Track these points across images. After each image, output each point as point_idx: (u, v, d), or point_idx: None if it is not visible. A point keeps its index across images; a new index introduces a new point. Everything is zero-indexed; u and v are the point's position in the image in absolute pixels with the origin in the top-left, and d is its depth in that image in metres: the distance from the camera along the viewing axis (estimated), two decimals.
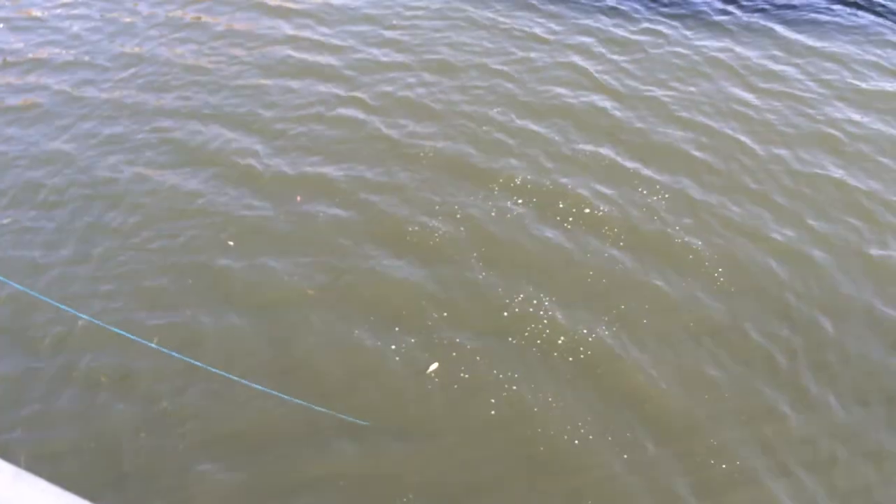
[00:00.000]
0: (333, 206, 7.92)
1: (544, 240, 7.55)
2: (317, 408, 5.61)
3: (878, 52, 10.87)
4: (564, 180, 8.33)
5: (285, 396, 5.54)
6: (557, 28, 11.37)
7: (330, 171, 8.49)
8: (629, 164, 8.66)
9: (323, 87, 9.98)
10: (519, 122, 9.37)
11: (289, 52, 10.81)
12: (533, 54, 10.74)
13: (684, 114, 9.53)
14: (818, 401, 6.18)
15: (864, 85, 10.15)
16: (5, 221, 7.82)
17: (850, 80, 10.22)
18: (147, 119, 9.39)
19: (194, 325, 6.64)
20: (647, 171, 8.52)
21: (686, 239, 7.59)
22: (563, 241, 7.52)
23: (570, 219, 7.79)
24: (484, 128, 9.21)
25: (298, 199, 7.89)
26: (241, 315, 6.71)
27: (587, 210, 7.92)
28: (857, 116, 9.52)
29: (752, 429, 5.97)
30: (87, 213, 7.92)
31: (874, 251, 7.54)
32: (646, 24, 11.52)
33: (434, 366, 6.28)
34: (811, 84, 10.20)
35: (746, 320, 6.81)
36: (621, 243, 7.51)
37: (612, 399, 6.10)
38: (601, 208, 7.93)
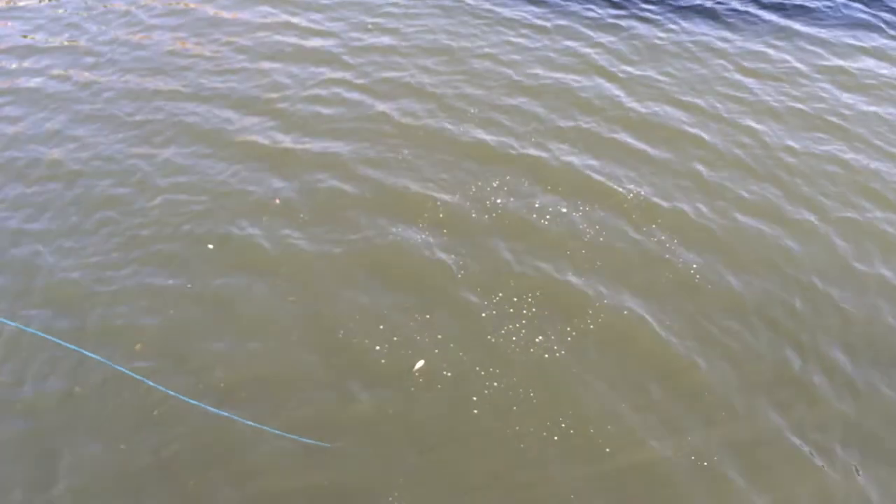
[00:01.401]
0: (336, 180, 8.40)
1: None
2: (275, 431, 5.69)
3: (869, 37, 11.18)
4: (569, 158, 8.77)
5: (249, 422, 5.66)
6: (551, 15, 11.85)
7: (334, 146, 8.95)
8: (631, 142, 9.02)
9: (322, 70, 10.44)
10: (512, 100, 9.77)
11: (284, 37, 11.23)
12: (526, 41, 11.13)
13: (684, 97, 9.94)
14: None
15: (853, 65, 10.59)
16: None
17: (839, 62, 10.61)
18: (147, 100, 9.82)
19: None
20: (651, 150, 8.93)
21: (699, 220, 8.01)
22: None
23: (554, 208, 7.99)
24: (474, 109, 9.58)
25: (277, 201, 8.02)
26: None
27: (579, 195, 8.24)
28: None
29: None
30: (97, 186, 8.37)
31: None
32: (638, 13, 11.92)
33: (420, 363, 6.43)
34: (803, 67, 10.56)
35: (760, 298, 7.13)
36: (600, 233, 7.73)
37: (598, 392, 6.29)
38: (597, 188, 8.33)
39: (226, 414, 5.70)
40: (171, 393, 5.68)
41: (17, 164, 8.68)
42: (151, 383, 5.68)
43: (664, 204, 8.15)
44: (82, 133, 9.18)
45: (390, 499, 5.49)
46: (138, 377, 5.74)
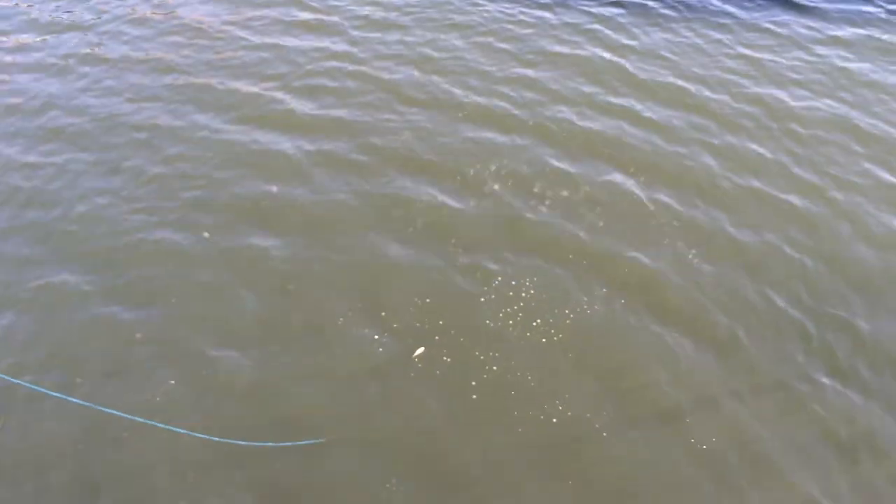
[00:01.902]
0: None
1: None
2: (267, 444, 5.71)
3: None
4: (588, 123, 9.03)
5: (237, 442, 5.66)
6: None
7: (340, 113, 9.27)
8: (637, 110, 9.15)
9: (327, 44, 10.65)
10: (515, 71, 9.87)
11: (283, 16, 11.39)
12: (529, 18, 11.11)
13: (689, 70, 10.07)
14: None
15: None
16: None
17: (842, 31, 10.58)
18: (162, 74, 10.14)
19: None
20: (657, 119, 9.01)
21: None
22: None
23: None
24: (474, 81, 9.74)
25: (274, 188, 8.08)
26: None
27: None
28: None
29: None
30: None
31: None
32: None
33: (420, 350, 6.51)
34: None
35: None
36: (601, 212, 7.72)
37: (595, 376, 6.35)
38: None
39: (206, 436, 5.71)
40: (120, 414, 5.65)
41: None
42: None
43: (665, 193, 8.11)
44: (81, 123, 9.32)
45: (388, 485, 5.60)
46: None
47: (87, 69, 10.33)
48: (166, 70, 10.29)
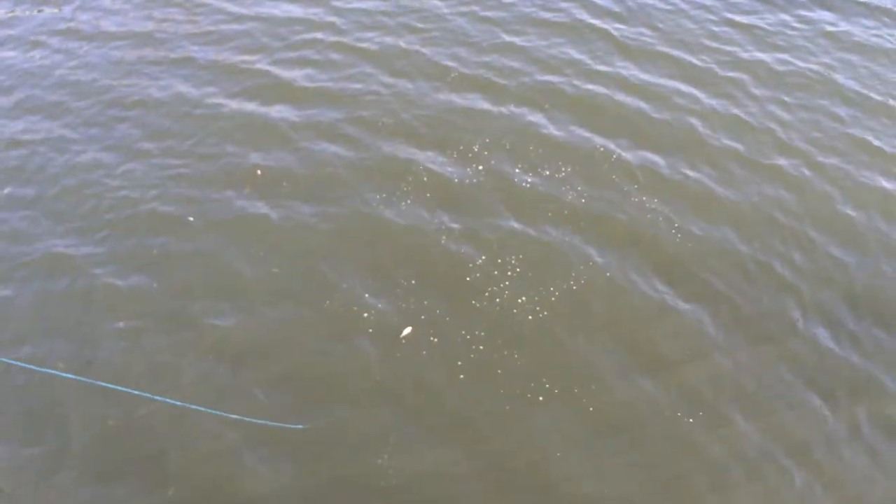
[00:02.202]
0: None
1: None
2: (250, 419, 5.72)
3: None
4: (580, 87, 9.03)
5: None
6: None
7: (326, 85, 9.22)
8: (620, 99, 8.99)
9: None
10: (498, 57, 9.68)
11: None
12: None
13: (675, 52, 9.87)
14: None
15: None
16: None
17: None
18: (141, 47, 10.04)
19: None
20: (643, 106, 8.89)
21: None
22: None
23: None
24: (458, 65, 9.56)
25: (259, 172, 8.02)
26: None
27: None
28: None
29: None
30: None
31: None
32: None
33: (407, 330, 6.56)
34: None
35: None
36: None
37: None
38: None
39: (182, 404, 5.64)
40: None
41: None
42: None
43: (653, 160, 8.13)
44: (65, 98, 9.19)
45: (379, 461, 5.69)
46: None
47: (64, 44, 10.13)
48: (145, 43, 10.10)
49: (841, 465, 5.79)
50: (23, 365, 5.68)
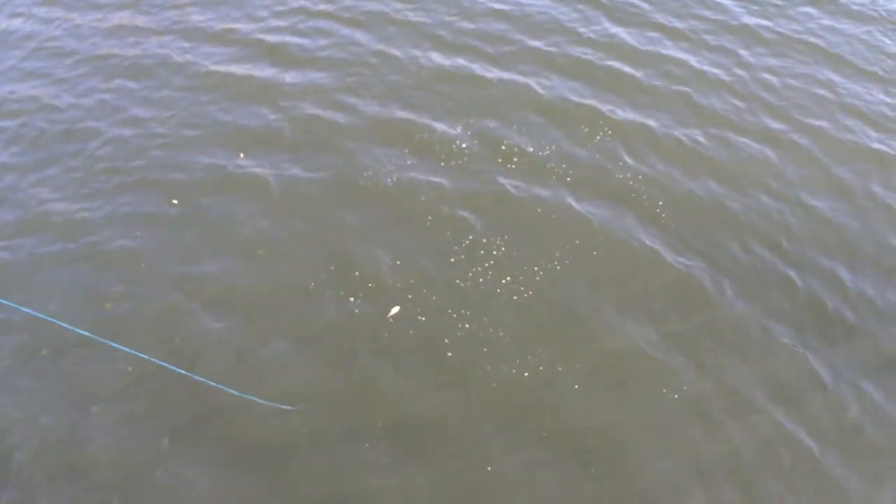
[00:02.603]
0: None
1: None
2: (243, 395, 5.79)
3: None
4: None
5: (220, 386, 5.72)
6: None
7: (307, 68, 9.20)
8: (614, 66, 9.19)
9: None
10: (491, 25, 9.82)
11: None
12: None
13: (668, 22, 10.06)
14: None
15: None
16: None
17: None
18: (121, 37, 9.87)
19: None
20: (636, 74, 9.08)
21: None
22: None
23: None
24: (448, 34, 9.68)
25: (241, 155, 8.04)
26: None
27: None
28: None
29: None
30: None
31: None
32: None
33: (395, 309, 6.63)
34: None
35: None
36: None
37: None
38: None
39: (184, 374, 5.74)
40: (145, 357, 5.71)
41: None
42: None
43: (649, 126, 8.32)
44: (58, 70, 9.21)
45: (367, 445, 5.77)
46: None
47: (49, 13, 10.15)
48: (134, 10, 10.15)
49: (823, 404, 6.07)
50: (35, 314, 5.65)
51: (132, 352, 5.52)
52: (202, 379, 5.67)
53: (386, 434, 5.83)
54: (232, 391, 5.73)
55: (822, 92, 8.89)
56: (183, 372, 5.61)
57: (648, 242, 7.13)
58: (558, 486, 5.58)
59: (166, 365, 5.54)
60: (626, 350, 6.40)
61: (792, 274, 6.94)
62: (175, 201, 7.54)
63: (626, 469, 5.69)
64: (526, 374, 6.20)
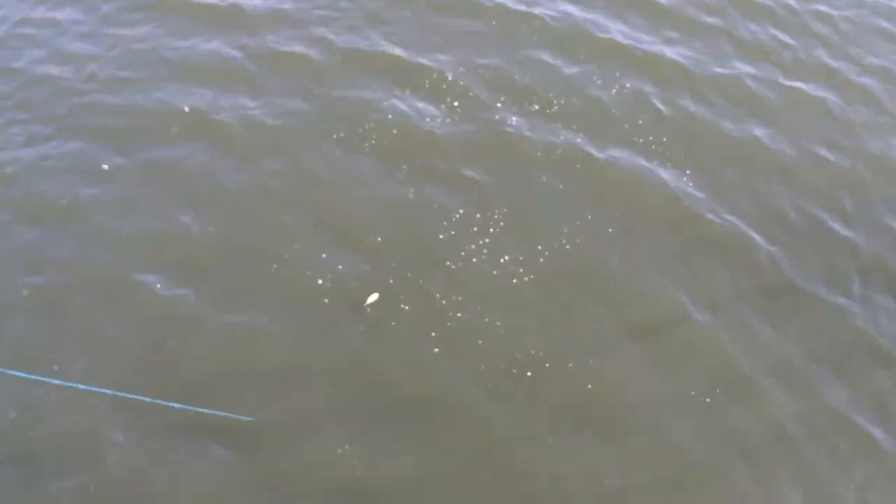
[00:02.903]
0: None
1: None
2: (198, 409, 4.85)
3: None
4: None
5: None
6: None
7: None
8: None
9: None
10: None
11: None
12: None
13: None
14: None
15: None
16: None
17: None
18: None
19: None
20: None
21: None
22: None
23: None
24: None
25: (186, 108, 6.97)
26: None
27: None
28: None
29: None
30: None
31: None
32: None
33: (373, 297, 5.67)
34: None
35: None
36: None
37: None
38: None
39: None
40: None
41: None
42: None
43: (680, 63, 7.49)
44: None
45: (339, 451, 4.88)
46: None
47: None
48: None
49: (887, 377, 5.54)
50: None
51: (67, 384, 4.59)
52: (151, 399, 4.69)
53: (361, 443, 4.92)
54: (187, 406, 4.76)
55: (886, 25, 8.00)
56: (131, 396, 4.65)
57: (683, 198, 6.31)
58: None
59: (108, 391, 4.60)
60: (664, 318, 5.68)
61: (854, 235, 6.21)
62: (105, 167, 6.44)
63: (662, 446, 5.07)
64: (529, 373, 5.27)
